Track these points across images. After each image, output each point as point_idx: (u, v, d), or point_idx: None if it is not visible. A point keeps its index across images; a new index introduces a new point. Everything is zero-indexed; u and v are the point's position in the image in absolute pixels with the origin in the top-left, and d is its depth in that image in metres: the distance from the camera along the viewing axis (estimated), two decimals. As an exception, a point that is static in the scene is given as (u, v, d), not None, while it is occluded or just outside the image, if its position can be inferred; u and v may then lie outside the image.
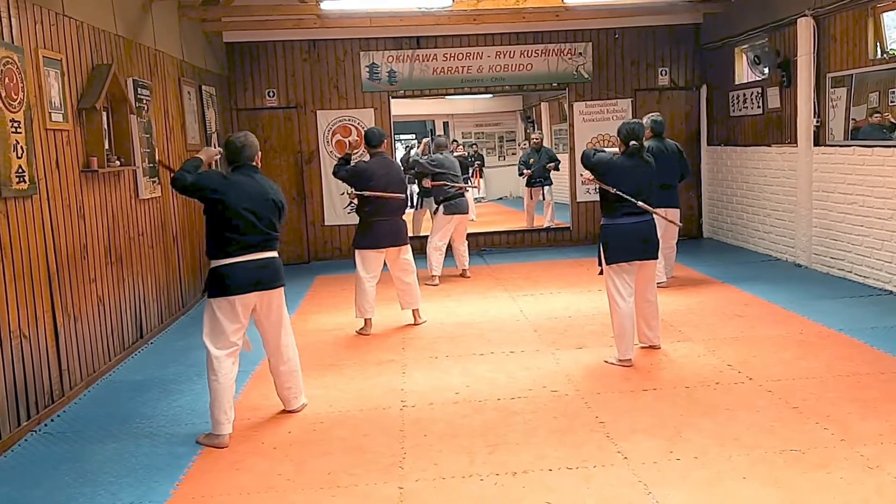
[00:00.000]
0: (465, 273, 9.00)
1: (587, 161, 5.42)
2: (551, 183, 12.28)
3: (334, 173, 6.67)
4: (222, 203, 4.25)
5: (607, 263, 5.32)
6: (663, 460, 3.82)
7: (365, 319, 6.61)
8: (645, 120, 7.32)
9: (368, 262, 6.50)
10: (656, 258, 5.46)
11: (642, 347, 5.67)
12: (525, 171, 12.22)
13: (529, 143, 12.90)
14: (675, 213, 7.40)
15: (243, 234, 4.29)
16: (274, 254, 4.46)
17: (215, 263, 4.33)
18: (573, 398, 4.78)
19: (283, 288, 4.53)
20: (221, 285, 4.29)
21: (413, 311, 6.82)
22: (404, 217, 6.67)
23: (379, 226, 6.42)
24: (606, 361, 5.44)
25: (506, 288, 8.24)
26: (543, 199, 12.25)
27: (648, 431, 4.19)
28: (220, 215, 4.27)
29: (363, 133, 6.94)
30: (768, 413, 4.37)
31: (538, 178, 12.11)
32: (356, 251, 6.55)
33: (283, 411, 4.76)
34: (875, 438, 3.94)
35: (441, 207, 8.58)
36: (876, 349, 5.43)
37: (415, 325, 6.79)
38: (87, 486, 3.87)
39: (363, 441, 4.27)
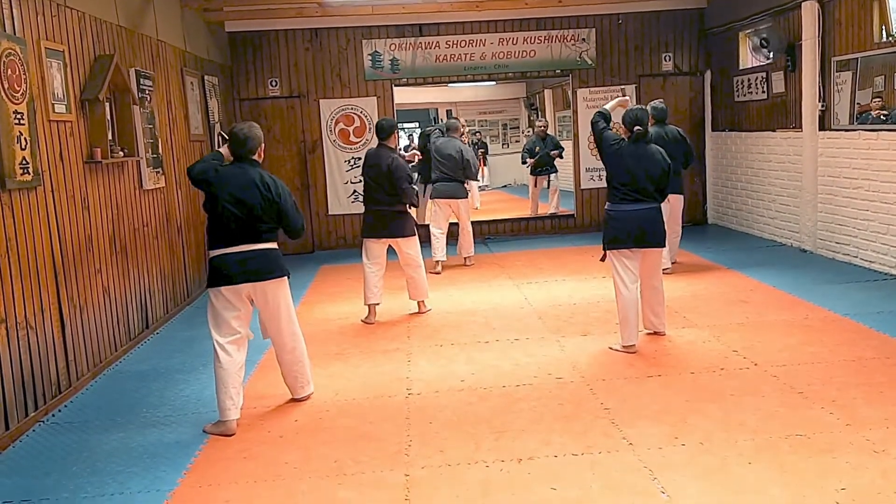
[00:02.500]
0: (467, 261, 9.00)
1: (595, 129, 5.45)
2: (557, 170, 12.24)
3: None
4: (212, 195, 4.34)
5: (606, 249, 5.37)
6: (668, 446, 3.83)
7: (368, 306, 6.63)
8: (647, 107, 7.38)
9: (368, 249, 6.59)
10: (661, 245, 5.42)
11: (647, 334, 5.67)
12: (529, 159, 12.18)
13: (534, 130, 12.82)
14: (677, 199, 7.53)
15: (230, 226, 4.34)
16: (264, 245, 4.42)
17: (210, 254, 4.44)
18: (578, 385, 4.79)
19: (280, 279, 4.49)
20: (212, 276, 4.39)
21: (419, 302, 6.86)
22: (404, 209, 6.60)
23: (369, 216, 6.57)
24: (611, 348, 5.45)
25: (510, 276, 8.24)
26: (549, 186, 12.21)
27: (654, 417, 4.19)
28: (212, 208, 4.36)
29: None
30: (774, 398, 4.37)
31: (545, 165, 12.06)
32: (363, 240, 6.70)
33: (291, 400, 4.78)
34: (881, 423, 3.94)
35: (428, 192, 8.72)
36: (882, 333, 5.42)
37: (419, 313, 6.82)
38: (95, 476, 3.89)
39: (369, 429, 4.29)
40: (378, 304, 6.66)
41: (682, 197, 7.66)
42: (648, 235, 5.29)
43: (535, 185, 12.22)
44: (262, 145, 4.53)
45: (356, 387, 5.01)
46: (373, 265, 6.56)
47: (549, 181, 12.18)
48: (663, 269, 6.50)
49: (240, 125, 4.48)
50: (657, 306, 5.61)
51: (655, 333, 5.68)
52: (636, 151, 5.31)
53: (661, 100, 7.93)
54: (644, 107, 5.74)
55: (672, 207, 7.32)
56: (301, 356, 4.72)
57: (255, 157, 4.47)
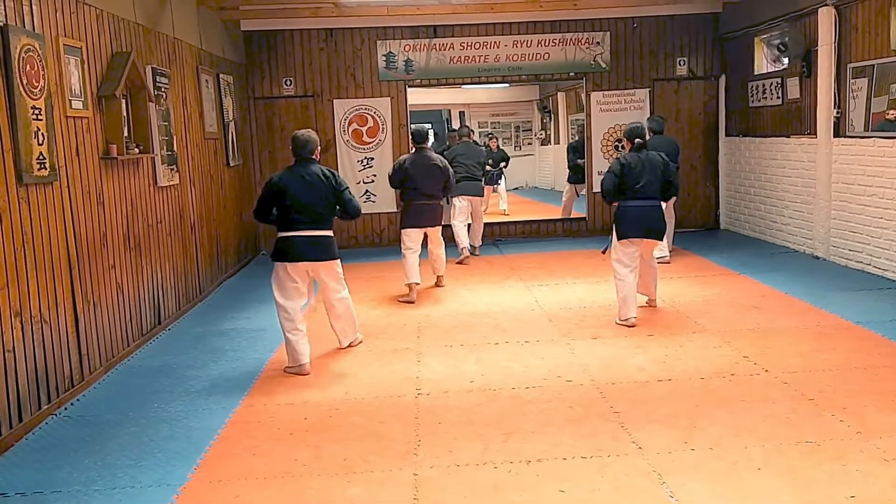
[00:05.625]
0: (476, 251, 9.66)
1: (604, 182, 6.35)
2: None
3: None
4: (283, 192, 5.24)
5: (618, 239, 6.20)
6: (678, 450, 3.82)
7: (408, 285, 7.38)
8: (646, 121, 8.81)
9: (409, 237, 7.47)
10: (658, 238, 6.30)
11: (646, 306, 6.50)
12: (578, 160, 11.42)
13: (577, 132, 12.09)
14: (670, 201, 8.24)
15: (297, 215, 5.24)
16: (324, 231, 5.33)
17: (279, 235, 5.32)
18: (588, 388, 4.79)
19: (333, 261, 5.43)
20: (279, 253, 5.30)
21: (438, 276, 7.93)
22: (441, 203, 7.74)
23: (418, 208, 7.49)
24: (617, 322, 6.19)
25: (521, 278, 8.24)
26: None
27: (663, 422, 4.19)
28: (282, 201, 5.25)
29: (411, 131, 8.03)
30: (784, 405, 4.36)
31: (581, 173, 11.32)
32: (401, 230, 7.56)
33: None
34: (891, 431, 3.92)
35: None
36: (894, 342, 5.39)
37: (437, 286, 7.86)
38: (107, 469, 3.92)
39: (379, 428, 4.31)
40: (419, 283, 7.41)
41: (673, 199, 8.25)
42: (649, 229, 6.17)
43: (576, 194, 11.63)
44: (319, 147, 5.51)
45: (366, 386, 5.03)
46: (410, 247, 7.41)
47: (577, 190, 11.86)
48: (666, 262, 8.26)
49: (300, 132, 5.43)
50: (652, 279, 6.56)
51: (648, 305, 6.59)
52: (639, 159, 6.15)
53: (657, 116, 9.19)
54: (640, 124, 6.53)
55: (666, 205, 7.94)
56: (346, 314, 5.70)
57: (314, 156, 5.39)
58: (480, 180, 9.63)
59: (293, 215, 5.25)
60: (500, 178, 14.30)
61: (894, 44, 7.11)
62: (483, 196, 9.81)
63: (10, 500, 3.65)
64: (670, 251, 8.67)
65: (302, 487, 3.64)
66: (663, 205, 6.53)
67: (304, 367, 5.29)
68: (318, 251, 5.33)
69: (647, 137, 6.60)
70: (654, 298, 6.67)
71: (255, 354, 5.83)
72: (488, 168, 13.84)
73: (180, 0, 7.73)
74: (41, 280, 4.70)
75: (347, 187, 5.46)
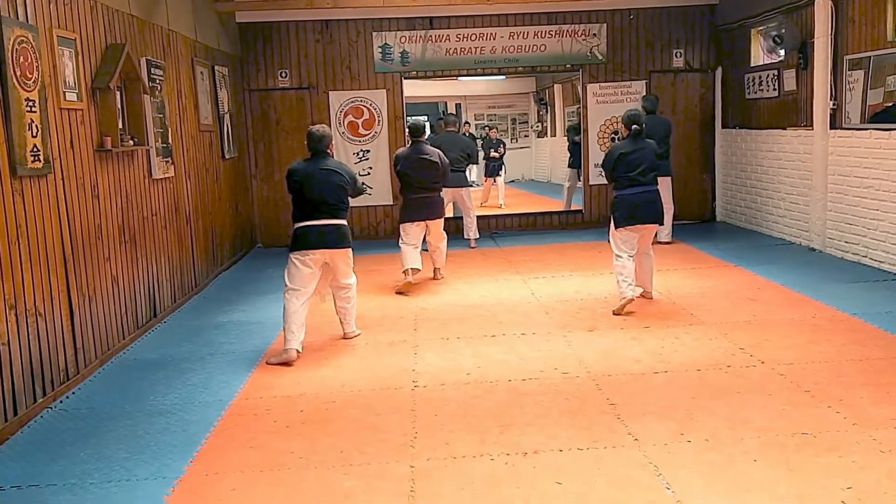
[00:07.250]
0: (473, 244, 9.69)
1: (606, 163, 6.48)
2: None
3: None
4: (301, 183, 5.47)
5: (615, 227, 6.27)
6: (674, 442, 3.83)
7: (405, 271, 7.41)
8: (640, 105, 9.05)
9: (408, 233, 7.51)
10: (658, 223, 6.42)
11: (642, 298, 6.45)
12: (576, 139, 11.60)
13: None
14: (665, 181, 8.39)
15: (316, 206, 5.45)
16: (341, 220, 5.56)
17: (296, 226, 5.51)
18: (584, 380, 4.79)
19: (346, 249, 5.59)
20: (298, 243, 5.47)
21: (436, 269, 7.92)
22: (440, 194, 7.75)
23: (415, 202, 7.53)
24: (615, 312, 6.20)
25: (517, 270, 8.24)
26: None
27: (659, 413, 4.19)
28: (300, 192, 5.49)
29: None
30: (780, 396, 4.37)
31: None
32: (400, 226, 7.59)
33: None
34: (887, 423, 3.93)
35: None
36: (890, 334, 5.40)
37: (434, 279, 7.87)
38: (102, 462, 3.91)
39: (375, 420, 4.30)
40: (419, 269, 7.45)
41: (669, 178, 8.73)
42: (647, 214, 6.25)
43: (570, 180, 11.98)
44: (333, 142, 5.89)
45: (363, 378, 5.03)
46: (410, 242, 7.46)
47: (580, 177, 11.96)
48: (667, 242, 8.69)
49: (315, 128, 5.67)
50: (648, 271, 6.57)
51: (643, 296, 6.54)
52: (635, 146, 6.24)
53: (650, 95, 9.43)
54: (638, 111, 6.58)
55: (662, 188, 8.10)
56: (347, 304, 5.85)
57: (329, 150, 5.66)
58: (463, 171, 9.42)
59: (312, 207, 5.47)
60: (501, 171, 14.35)
61: (891, 35, 7.10)
62: (467, 187, 9.56)
63: (6, 494, 3.64)
64: (669, 242, 8.82)
65: (298, 480, 3.64)
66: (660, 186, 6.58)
67: (290, 353, 5.34)
68: (336, 239, 5.54)
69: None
70: (649, 291, 6.68)
71: (251, 347, 5.83)
72: (494, 155, 14.08)
73: (175, -9, 7.69)
74: (36, 273, 4.68)
75: (356, 179, 5.83)
